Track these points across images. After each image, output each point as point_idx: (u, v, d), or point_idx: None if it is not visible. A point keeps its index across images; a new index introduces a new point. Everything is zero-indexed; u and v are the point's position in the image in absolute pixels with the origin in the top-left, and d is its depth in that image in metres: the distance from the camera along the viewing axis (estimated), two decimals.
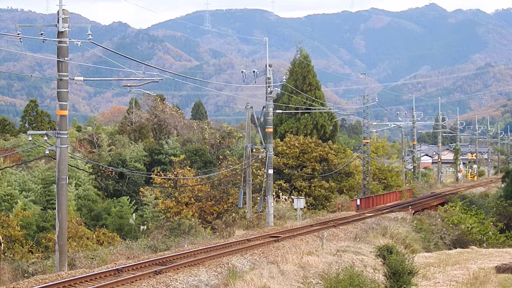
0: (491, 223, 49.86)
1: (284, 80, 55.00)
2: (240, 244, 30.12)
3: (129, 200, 47.62)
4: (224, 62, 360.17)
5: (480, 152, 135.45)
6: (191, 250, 27.26)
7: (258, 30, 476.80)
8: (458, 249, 40.10)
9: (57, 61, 24.96)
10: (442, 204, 62.20)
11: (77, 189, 46.63)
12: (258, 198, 44.14)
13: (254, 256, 27.40)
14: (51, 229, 37.85)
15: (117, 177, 52.57)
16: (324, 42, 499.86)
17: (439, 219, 48.63)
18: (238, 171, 46.91)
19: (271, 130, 42.62)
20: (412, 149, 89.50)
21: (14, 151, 49.51)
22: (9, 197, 43.72)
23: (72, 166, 40.58)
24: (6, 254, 32.70)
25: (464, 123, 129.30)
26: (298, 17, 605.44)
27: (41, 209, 42.66)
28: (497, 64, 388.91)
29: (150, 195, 48.74)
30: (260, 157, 44.10)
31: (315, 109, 64.83)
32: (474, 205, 55.84)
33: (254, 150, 44.68)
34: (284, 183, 54.21)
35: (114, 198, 49.81)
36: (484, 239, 46.16)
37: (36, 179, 46.26)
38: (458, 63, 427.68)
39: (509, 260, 31.56)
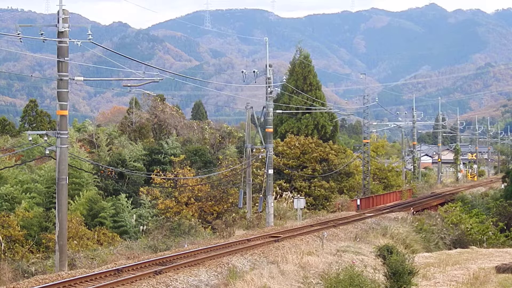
0: (491, 223, 49.88)
1: (284, 80, 55.00)
2: (240, 244, 30.12)
3: (127, 198, 47.56)
4: (224, 62, 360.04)
5: (480, 152, 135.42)
6: (191, 250, 27.26)
7: (258, 30, 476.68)
8: (458, 249, 40.13)
9: (57, 61, 24.96)
10: (442, 204, 62.21)
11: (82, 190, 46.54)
12: (258, 198, 44.15)
13: (254, 256, 27.40)
14: (53, 229, 37.80)
15: (116, 177, 52.51)
16: (324, 42, 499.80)
17: (439, 219, 48.66)
18: (238, 171, 46.92)
19: (271, 130, 42.62)
20: (412, 149, 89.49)
21: (13, 151, 49.49)
22: (10, 196, 43.70)
23: (71, 166, 40.58)
24: (6, 254, 32.70)
25: (464, 123, 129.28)
26: (298, 17, 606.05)
27: (46, 209, 42.59)
28: (497, 64, 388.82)
29: (147, 197, 48.67)
30: (260, 157, 44.11)
31: (315, 109, 64.82)
32: (475, 208, 55.84)
33: (254, 150, 44.68)
34: (285, 183, 54.22)
35: (113, 196, 49.80)
36: (484, 239, 46.18)
37: (41, 179, 46.29)
38: (458, 63, 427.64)
39: (509, 260, 31.57)
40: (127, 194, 49.12)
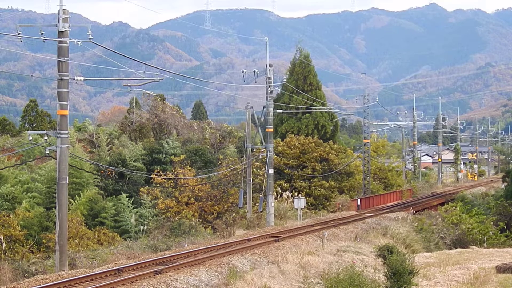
0: (492, 223, 49.88)
1: (285, 80, 54.99)
2: (240, 244, 30.12)
3: (128, 198, 47.57)
4: (225, 62, 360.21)
5: (480, 152, 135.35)
6: (192, 250, 27.26)
7: (259, 30, 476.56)
8: (459, 249, 40.11)
9: (58, 61, 24.97)
10: (443, 204, 62.20)
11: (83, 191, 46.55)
12: (259, 198, 44.15)
13: (255, 256, 27.40)
14: (54, 229, 37.81)
15: (117, 177, 52.50)
16: (325, 42, 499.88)
17: (440, 219, 48.66)
18: (238, 171, 46.92)
19: (272, 130, 42.61)
20: (412, 149, 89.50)
21: (14, 151, 49.49)
22: (11, 196, 43.71)
23: (72, 166, 40.57)
24: (6, 254, 32.70)
25: (465, 123, 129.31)
26: (299, 17, 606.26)
27: (46, 208, 42.61)
28: (497, 64, 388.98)
29: (148, 197, 48.66)
30: (260, 157, 44.11)
31: (315, 109, 64.82)
32: (475, 207, 55.86)
33: (254, 150, 44.68)
34: (285, 183, 54.23)
35: (114, 196, 49.83)
36: (485, 239, 46.18)
37: (42, 179, 46.30)
38: (459, 63, 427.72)
39: (510, 260, 31.57)
40: (128, 194, 49.10)
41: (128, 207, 46.52)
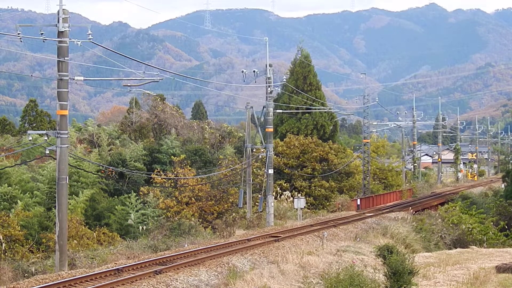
0: (491, 223, 49.88)
1: (285, 80, 55.03)
2: (240, 244, 30.13)
3: (129, 198, 47.55)
4: (224, 62, 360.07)
5: (480, 152, 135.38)
6: (191, 250, 27.26)
7: (258, 30, 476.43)
8: (459, 249, 40.11)
9: (57, 61, 24.98)
10: (443, 204, 62.22)
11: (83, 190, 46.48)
12: (258, 198, 44.14)
13: (254, 256, 27.40)
14: (54, 228, 37.73)
15: (117, 177, 52.52)
16: (324, 42, 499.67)
17: (440, 219, 48.66)
18: (238, 171, 46.92)
19: (271, 130, 42.62)
20: (412, 149, 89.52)
21: (13, 151, 49.47)
22: (9, 196, 43.69)
23: (72, 166, 40.53)
24: (6, 254, 32.69)
25: (464, 123, 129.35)
26: (298, 17, 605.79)
27: (47, 208, 42.57)
28: (497, 64, 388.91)
29: (152, 196, 48.66)
30: (260, 157, 44.12)
31: (315, 109, 64.81)
32: (474, 205, 55.91)
33: (254, 150, 44.68)
34: (285, 183, 54.23)
35: (116, 196, 49.79)
36: (485, 239, 46.18)
37: (44, 178, 46.31)
38: (458, 63, 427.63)
39: (510, 260, 31.57)
40: (129, 194, 49.05)
41: (136, 206, 46.55)
